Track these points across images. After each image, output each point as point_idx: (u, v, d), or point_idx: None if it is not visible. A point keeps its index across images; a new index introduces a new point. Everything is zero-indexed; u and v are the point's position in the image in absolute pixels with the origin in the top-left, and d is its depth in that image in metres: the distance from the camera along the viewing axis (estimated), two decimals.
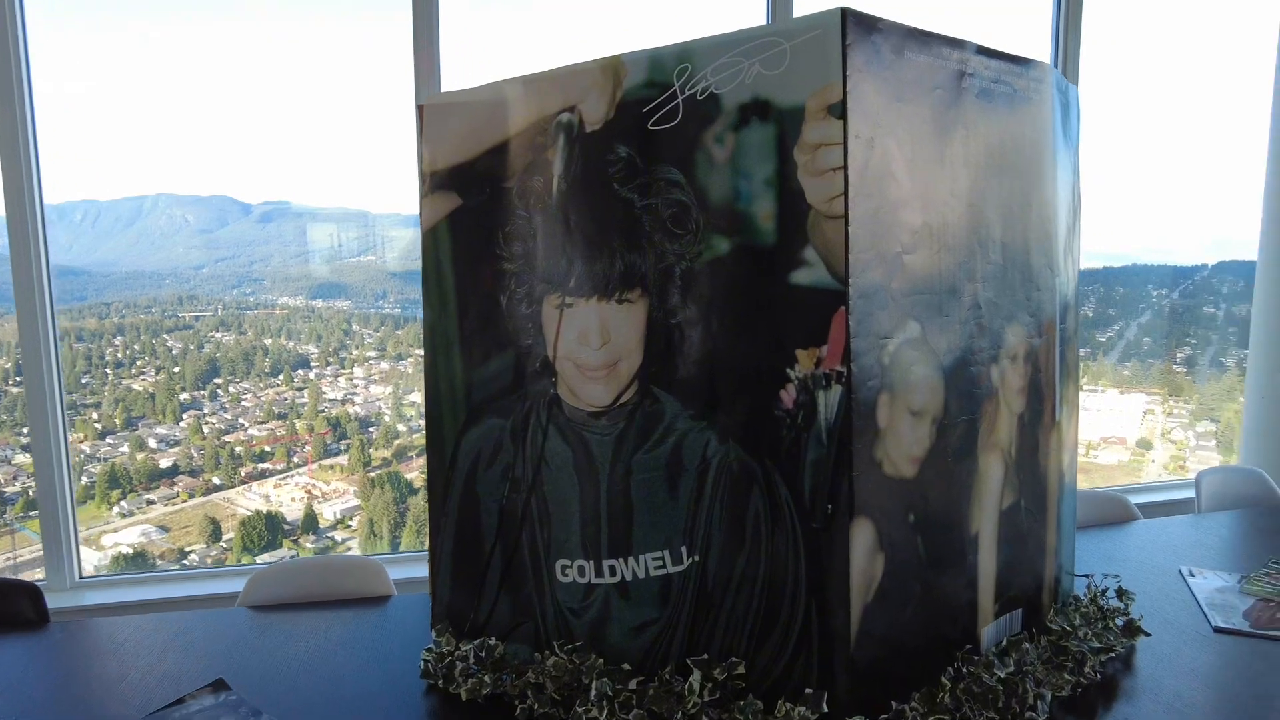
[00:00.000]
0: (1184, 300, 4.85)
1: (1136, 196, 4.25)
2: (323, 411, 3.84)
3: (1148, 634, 1.46)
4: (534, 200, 1.33)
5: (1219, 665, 1.44)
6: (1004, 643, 1.32)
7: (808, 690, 1.13)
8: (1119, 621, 1.47)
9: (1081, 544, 1.98)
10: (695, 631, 1.23)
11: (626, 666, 1.25)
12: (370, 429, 3.88)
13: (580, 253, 1.28)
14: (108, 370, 3.65)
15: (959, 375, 1.24)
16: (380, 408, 3.93)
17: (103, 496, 3.46)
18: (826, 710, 1.11)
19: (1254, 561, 1.87)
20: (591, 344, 1.28)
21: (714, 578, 1.21)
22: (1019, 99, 1.32)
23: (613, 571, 1.29)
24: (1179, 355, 4.85)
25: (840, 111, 1.07)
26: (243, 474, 3.64)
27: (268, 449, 3.73)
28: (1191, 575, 1.78)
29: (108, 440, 3.57)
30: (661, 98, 1.21)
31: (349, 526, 3.71)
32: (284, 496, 3.65)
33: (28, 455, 3.35)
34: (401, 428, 3.91)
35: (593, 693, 1.21)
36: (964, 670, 1.22)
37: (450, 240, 1.43)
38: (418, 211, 1.49)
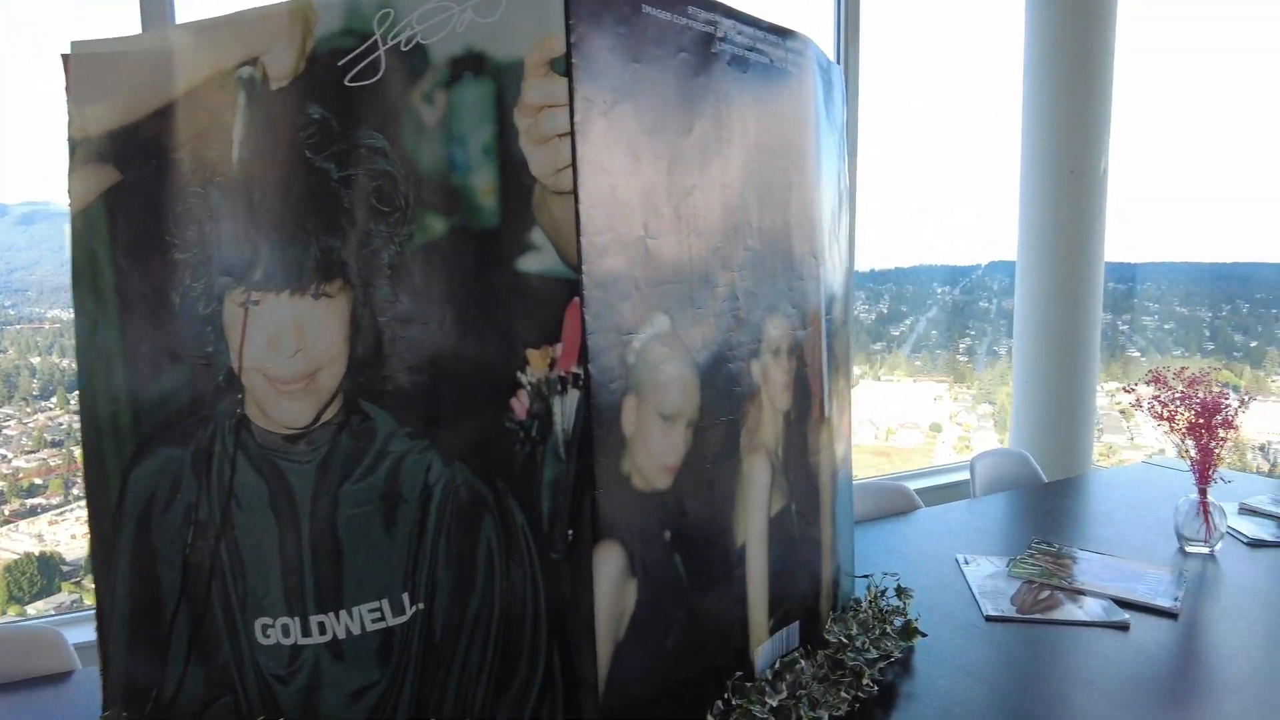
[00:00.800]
0: (963, 296, 5.28)
1: (920, 203, 4.51)
2: None
3: (924, 635, 1.42)
4: (210, 174, 1.07)
5: (990, 657, 1.42)
6: (778, 664, 1.21)
7: None
8: (897, 623, 1.41)
9: (864, 538, 1.94)
10: (424, 690, 1.02)
11: None
12: None
13: (267, 237, 1.04)
14: None
15: (716, 372, 1.11)
16: None
17: None
18: None
19: (1021, 543, 1.91)
20: (284, 350, 1.04)
21: (443, 627, 1.01)
22: (776, 72, 1.22)
23: (322, 629, 1.05)
24: (961, 346, 5.29)
25: (564, 68, 0.91)
26: (6, 512, 3.17)
27: (39, 482, 3.27)
28: (966, 563, 1.79)
29: None
30: (360, 49, 0.99)
31: None
32: (61, 534, 3.22)
33: None
34: None
35: None
36: (733, 702, 1.10)
37: (108, 224, 1.13)
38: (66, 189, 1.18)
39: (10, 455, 3.18)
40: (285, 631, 1.07)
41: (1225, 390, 1.79)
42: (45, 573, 3.20)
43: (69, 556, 3.29)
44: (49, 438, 3.31)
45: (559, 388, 0.94)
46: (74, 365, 3.43)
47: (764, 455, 1.21)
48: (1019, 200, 3.94)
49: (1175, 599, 1.58)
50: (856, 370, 5.11)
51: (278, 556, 1.06)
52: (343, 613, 1.04)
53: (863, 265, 4.60)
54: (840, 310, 1.44)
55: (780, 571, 1.25)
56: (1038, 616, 1.54)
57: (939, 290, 5.22)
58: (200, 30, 1.08)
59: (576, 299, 0.92)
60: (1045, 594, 1.63)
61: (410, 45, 0.97)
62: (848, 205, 1.52)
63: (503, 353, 0.96)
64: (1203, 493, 1.84)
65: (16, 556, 3.11)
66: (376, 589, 1.02)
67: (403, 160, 0.98)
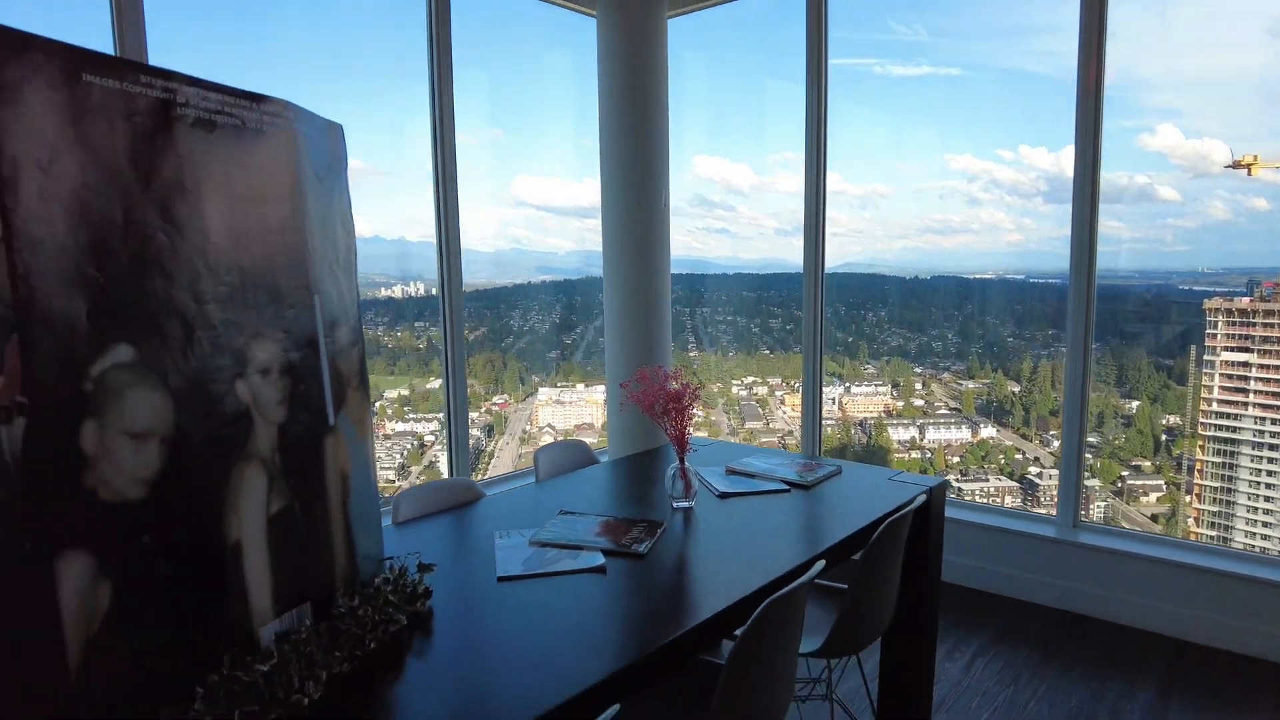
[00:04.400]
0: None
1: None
2: None
3: (429, 594, 1.71)
4: None
5: (497, 605, 1.75)
6: (275, 637, 1.41)
7: None
8: (407, 592, 1.68)
9: (420, 531, 2.21)
10: None
11: None
12: None
13: None
14: None
15: (193, 393, 1.28)
16: None
17: None
18: None
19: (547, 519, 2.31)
20: None
21: None
22: (250, 132, 1.41)
23: None
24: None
25: None
26: None
27: None
28: (500, 537, 2.13)
29: None
30: None
31: None
32: None
33: None
34: None
35: None
36: (222, 675, 1.27)
37: None
38: None
39: None
40: None
41: (687, 384, 2.34)
42: None
43: None
44: None
45: (4, 418, 1.05)
46: None
47: (258, 464, 1.40)
48: (601, 227, 4.54)
49: (646, 547, 2.05)
50: (534, 378, 5.45)
51: None
52: None
53: (534, 277, 4.88)
54: (346, 333, 1.67)
55: (284, 561, 1.45)
56: (539, 571, 1.91)
57: (599, 298, 5.77)
58: None
59: (15, 335, 1.04)
60: (551, 553, 2.02)
61: None
62: (350, 240, 1.75)
63: None
64: (681, 460, 2.38)
65: None
66: None
67: None
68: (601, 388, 5.60)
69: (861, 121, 4.79)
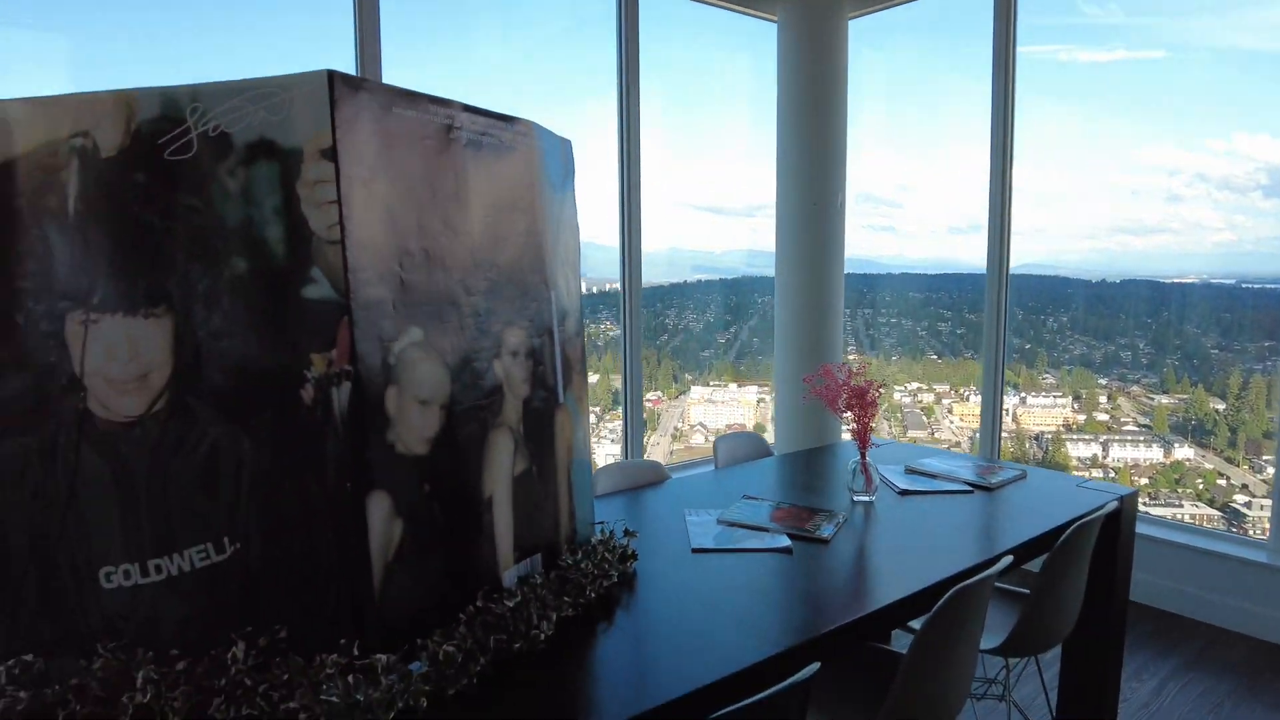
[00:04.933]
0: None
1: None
2: None
3: (636, 558, 1.91)
4: (49, 219, 1.36)
5: (693, 576, 1.92)
6: (518, 580, 1.64)
7: (341, 641, 1.33)
8: (618, 553, 1.89)
9: (617, 504, 2.43)
10: (244, 611, 1.37)
11: (175, 652, 1.34)
12: None
13: (103, 272, 1.35)
14: None
15: (464, 370, 1.53)
16: None
17: None
18: (357, 654, 1.32)
19: (735, 499, 2.47)
20: (119, 358, 1.35)
21: (256, 561, 1.36)
22: (505, 149, 1.66)
23: (158, 570, 1.37)
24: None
25: (332, 155, 1.30)
26: None
27: None
28: (689, 515, 2.31)
29: None
30: (176, 131, 1.33)
31: None
32: None
33: None
34: None
35: (139, 680, 1.29)
36: (478, 607, 1.52)
37: None
38: None
39: None
40: (126, 576, 1.38)
41: (870, 381, 2.42)
42: None
43: None
44: None
45: (335, 381, 1.32)
46: None
47: (507, 431, 1.65)
48: (775, 226, 4.64)
49: (830, 533, 2.16)
50: (687, 376, 5.60)
51: (119, 518, 1.37)
52: (175, 555, 1.36)
53: (689, 276, 5.05)
54: (573, 323, 1.90)
55: (523, 517, 1.69)
56: (729, 547, 2.07)
57: (760, 300, 5.70)
58: (35, 104, 1.37)
59: (346, 317, 1.31)
60: (739, 532, 2.17)
61: (216, 132, 1.33)
62: (576, 240, 1.97)
63: (292, 357, 1.33)
64: (863, 455, 2.47)
65: None
66: (202, 534, 1.36)
67: (214, 217, 1.33)
68: (755, 388, 5.62)
69: (1044, 113, 4.58)
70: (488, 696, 1.38)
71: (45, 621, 1.41)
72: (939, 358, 5.65)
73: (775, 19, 4.61)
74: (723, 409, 5.62)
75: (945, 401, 5.52)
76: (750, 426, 5.58)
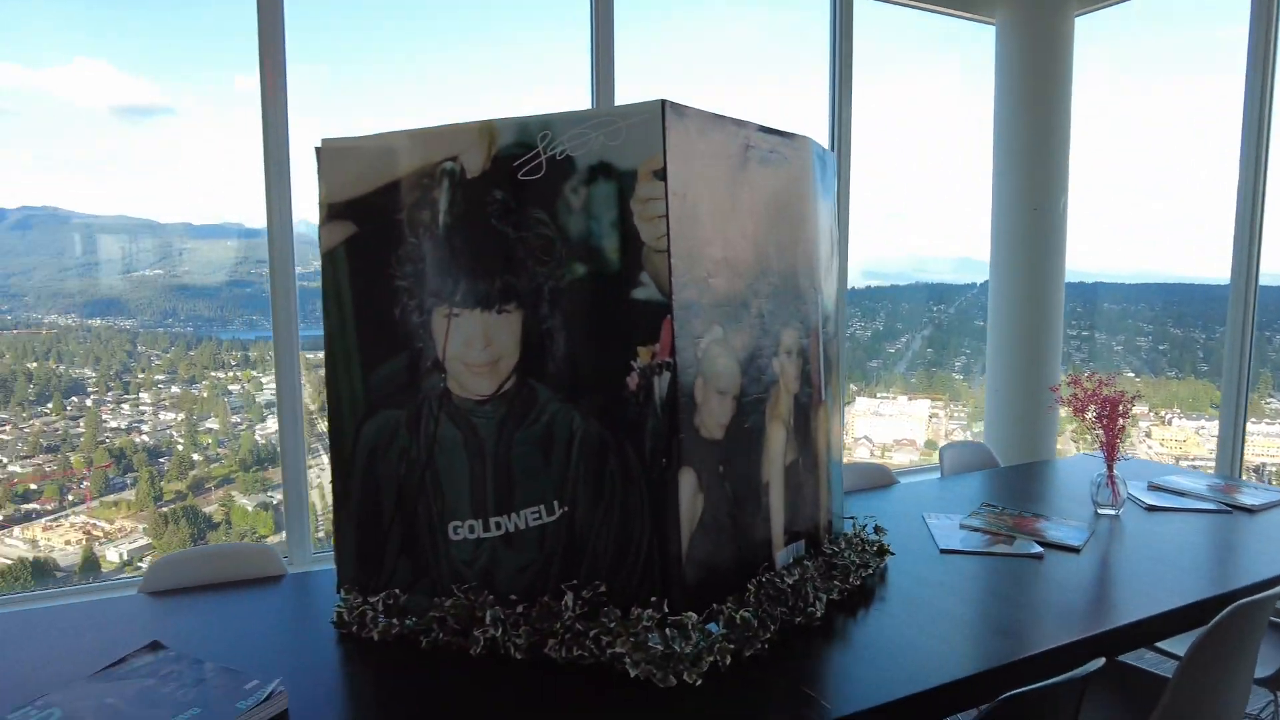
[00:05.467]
0: (958, 315, 5.55)
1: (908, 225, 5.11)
2: (103, 442, 3.48)
3: (893, 553, 1.99)
4: (422, 230, 1.64)
5: (943, 572, 1.99)
6: (791, 560, 1.78)
7: (652, 599, 1.52)
8: (874, 547, 1.99)
9: (853, 502, 2.52)
10: (566, 565, 1.59)
11: (513, 597, 1.59)
12: (161, 460, 3.60)
13: (465, 273, 1.61)
14: None
15: (751, 365, 1.69)
16: (172, 436, 3.64)
17: None
18: (667, 611, 1.51)
19: (973, 507, 2.48)
20: (476, 346, 1.61)
21: (580, 523, 1.58)
22: (786, 163, 1.80)
23: (498, 526, 1.62)
24: (956, 364, 5.50)
25: (662, 175, 1.49)
26: (1, 517, 3.33)
27: (34, 487, 3.38)
28: (929, 518, 2.36)
29: None
30: (528, 155, 1.57)
31: (138, 568, 3.44)
32: (56, 540, 3.37)
33: None
34: (197, 457, 3.68)
35: (487, 618, 1.53)
36: (763, 580, 1.66)
37: (347, 262, 1.71)
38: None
39: (6, 460, 3.18)
40: (471, 530, 1.64)
41: (1122, 393, 2.36)
42: (38, 577, 3.25)
43: (63, 562, 3.34)
44: (44, 443, 3.36)
45: (658, 371, 1.51)
46: (71, 371, 3.58)
47: (781, 423, 1.79)
48: (990, 232, 4.53)
49: (1080, 542, 2.15)
50: (852, 387, 5.43)
51: (467, 480, 1.63)
52: (513, 514, 1.61)
53: (859, 282, 4.98)
54: (833, 325, 2.02)
55: (792, 503, 1.82)
56: (978, 550, 2.11)
57: (934, 308, 5.48)
58: (414, 136, 1.66)
59: (669, 316, 1.50)
60: (985, 537, 2.20)
61: (563, 156, 1.56)
62: (837, 249, 2.09)
63: (621, 349, 1.53)
64: (1110, 468, 2.41)
65: (9, 562, 3.18)
66: (536, 497, 1.59)
67: (558, 228, 1.56)
68: (927, 402, 5.34)
69: None
70: (775, 662, 1.52)
71: (406, 563, 1.69)
72: (1136, 376, 5.24)
73: (994, 21, 4.51)
74: (890, 423, 5.35)
75: (1143, 424, 5.10)
76: (921, 443, 5.34)
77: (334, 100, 3.47)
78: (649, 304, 1.51)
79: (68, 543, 3.33)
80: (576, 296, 1.56)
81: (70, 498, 3.37)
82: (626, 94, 3.74)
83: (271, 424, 3.74)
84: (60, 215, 3.37)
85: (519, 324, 1.59)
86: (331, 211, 1.72)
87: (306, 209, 3.26)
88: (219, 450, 3.71)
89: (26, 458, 3.22)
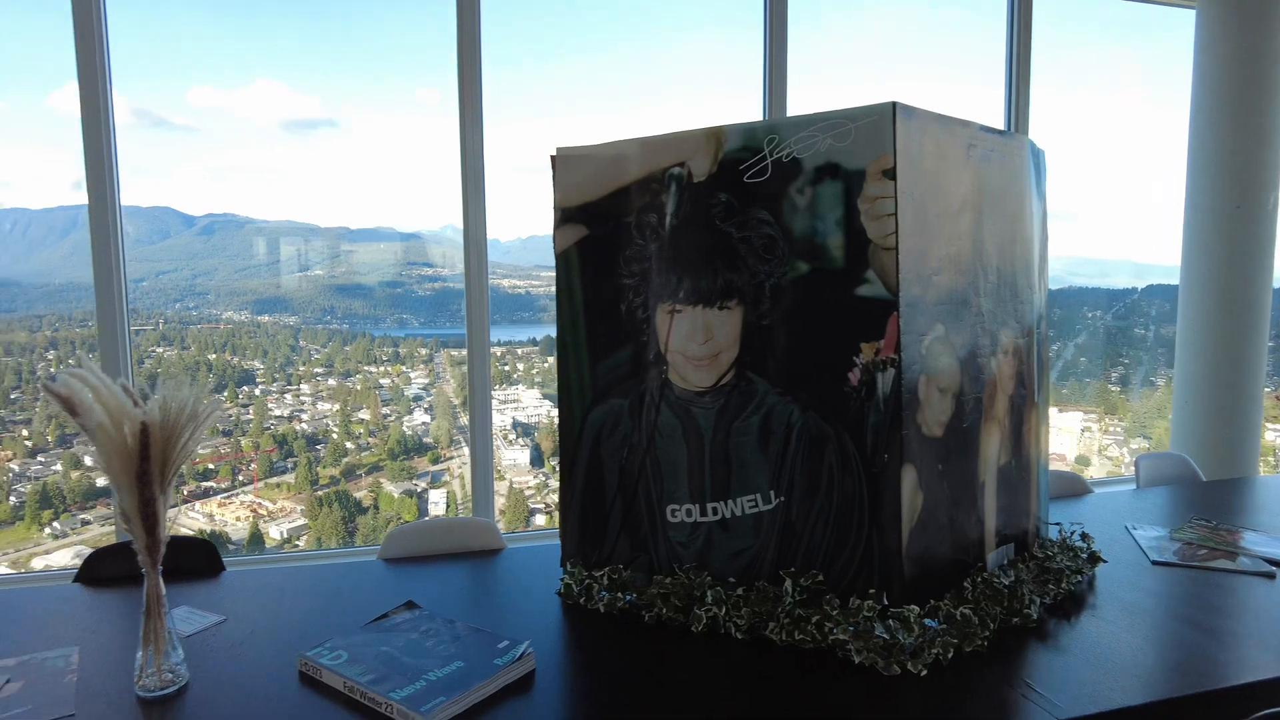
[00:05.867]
0: (1117, 322, 5.24)
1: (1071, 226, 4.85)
2: (269, 429, 3.80)
3: (1105, 560, 1.93)
4: (649, 232, 1.75)
5: (1158, 584, 1.91)
6: (1004, 564, 1.77)
7: (871, 590, 1.56)
8: (1084, 554, 1.93)
9: (1050, 510, 2.45)
10: (781, 552, 1.65)
11: (732, 580, 1.66)
12: (318, 446, 3.89)
13: (688, 272, 1.70)
14: (39, 386, 3.46)
15: (970, 364, 1.69)
16: (328, 425, 3.93)
17: (33, 517, 3.37)
18: (887, 603, 1.54)
19: (1179, 522, 2.36)
20: (697, 340, 1.70)
21: (796, 512, 1.63)
22: (1005, 162, 1.79)
23: (714, 512, 1.70)
24: (1113, 375, 5.22)
25: (892, 175, 1.52)
26: (185, 493, 3.60)
27: (211, 466, 3.73)
28: (1134, 529, 2.27)
29: (39, 458, 3.48)
30: (754, 159, 1.64)
31: (295, 545, 3.73)
32: (228, 515, 3.67)
33: None
34: (350, 445, 3.94)
35: (709, 598, 1.62)
36: (979, 580, 1.66)
37: (579, 262, 1.84)
38: (552, 237, 1.90)
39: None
40: (689, 514, 1.72)
41: None
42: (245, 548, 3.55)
43: (234, 536, 3.65)
44: (220, 427, 3.69)
45: (881, 367, 1.55)
46: (244, 363, 3.93)
47: (996, 423, 1.78)
48: (1182, 232, 4.24)
49: None
50: None
51: (685, 466, 1.72)
52: (730, 501, 1.68)
53: None
54: (1044, 325, 1.98)
55: (1004, 505, 1.80)
56: (1194, 564, 2.01)
57: (1089, 314, 5.20)
58: (644, 143, 1.76)
59: (895, 313, 1.53)
60: (1203, 551, 2.09)
61: (789, 158, 1.61)
62: (1047, 247, 2.05)
63: (843, 344, 1.58)
64: None
65: (191, 533, 3.39)
66: (753, 487, 1.66)
67: (782, 227, 1.62)
68: (1078, 414, 5.01)
69: None
70: (995, 659, 1.52)
71: (625, 541, 1.80)
72: None
73: (1194, 5, 4.22)
74: None
75: None
76: (1072, 458, 5.01)
77: (510, 107, 3.66)
78: (874, 301, 1.55)
79: (237, 519, 3.69)
80: (798, 293, 1.61)
81: (240, 478, 3.76)
82: (797, 96, 3.77)
83: (418, 416, 4.08)
84: (238, 221, 3.77)
85: (739, 319, 1.66)
86: (565, 215, 1.85)
87: (452, 214, 3.52)
88: (369, 439, 4.01)
89: (206, 440, 3.52)
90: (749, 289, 1.65)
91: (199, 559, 1.98)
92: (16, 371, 3.50)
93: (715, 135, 1.68)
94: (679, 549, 1.74)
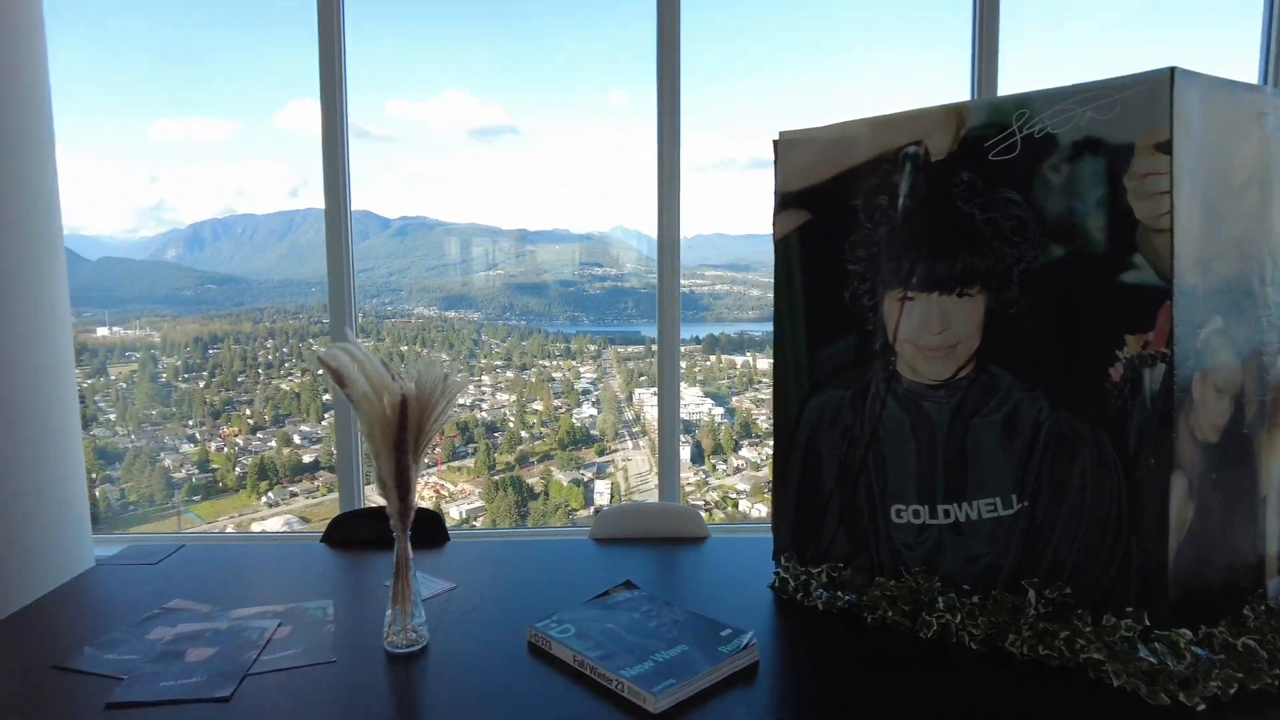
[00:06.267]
0: None
1: None
2: (452, 416, 4.19)
3: None
4: (879, 215, 1.67)
5: None
6: None
7: (1128, 609, 1.41)
8: None
9: None
10: (1023, 561, 1.53)
11: (966, 587, 1.56)
12: (495, 434, 4.12)
13: (923, 256, 1.61)
14: (260, 370, 3.99)
15: (1253, 362, 1.49)
16: (505, 414, 4.16)
17: (253, 487, 3.82)
18: (1149, 624, 1.38)
19: None
20: (931, 330, 1.61)
21: (1041, 519, 1.51)
22: None
23: (947, 514, 1.60)
24: None
25: (1167, 149, 1.36)
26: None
27: None
28: None
29: (258, 435, 3.92)
30: (1001, 135, 1.53)
31: (473, 526, 3.95)
32: (427, 494, 3.91)
33: (193, 445, 3.79)
34: (524, 434, 4.15)
35: (940, 604, 1.52)
36: (1260, 609, 1.46)
37: (800, 248, 1.80)
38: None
39: None
40: (915, 515, 1.64)
41: None
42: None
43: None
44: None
45: (1149, 362, 1.39)
46: (432, 355, 4.13)
47: None
48: None
49: None
50: None
51: (913, 464, 1.63)
52: (965, 504, 1.58)
53: None
54: None
55: None
56: None
57: None
58: (875, 123, 1.69)
59: (1168, 301, 1.37)
60: None
61: (1042, 134, 1.49)
62: None
63: (1104, 336, 1.43)
64: None
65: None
66: (992, 489, 1.55)
67: (1032, 208, 1.50)
68: None
69: None
70: None
71: (843, 537, 1.74)
72: None
73: None
74: None
75: None
76: None
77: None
78: (1142, 288, 1.40)
79: (422, 498, 3.84)
80: (1051, 279, 1.49)
81: (426, 461, 4.10)
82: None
83: (586, 409, 4.28)
84: (428, 223, 4.12)
85: (981, 308, 1.56)
86: (785, 200, 1.82)
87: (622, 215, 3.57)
88: (542, 429, 4.22)
89: None
90: (994, 274, 1.54)
91: (426, 528, 2.12)
92: (243, 358, 4.00)
93: (956, 112, 1.58)
94: (904, 551, 1.66)
